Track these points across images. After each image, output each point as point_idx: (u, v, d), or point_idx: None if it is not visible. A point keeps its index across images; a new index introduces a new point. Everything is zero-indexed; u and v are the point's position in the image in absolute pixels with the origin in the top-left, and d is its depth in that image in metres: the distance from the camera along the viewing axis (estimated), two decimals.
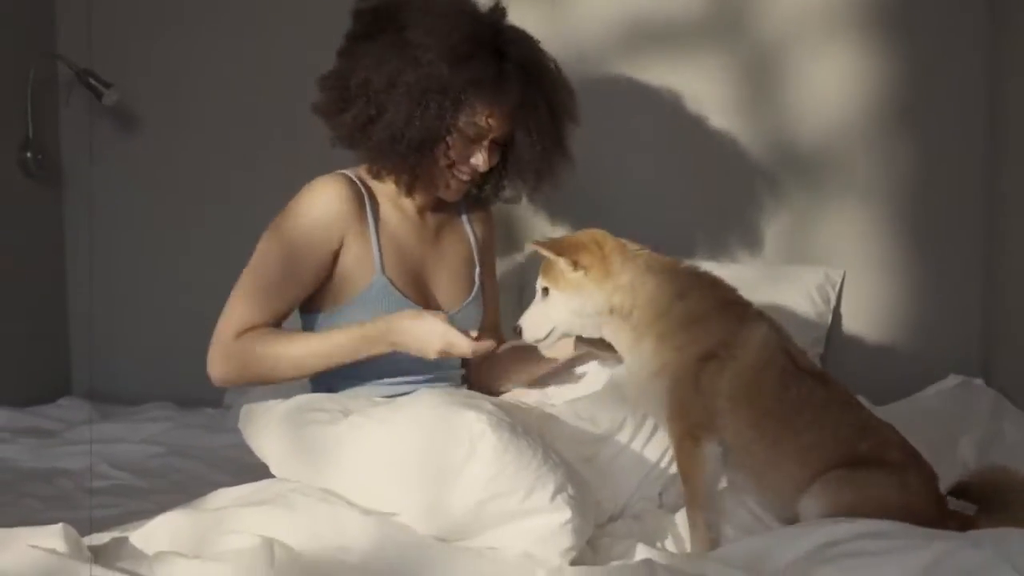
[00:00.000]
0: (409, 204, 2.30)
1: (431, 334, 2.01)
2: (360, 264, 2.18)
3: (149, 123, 3.42)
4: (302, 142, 3.22)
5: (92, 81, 3.22)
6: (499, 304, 2.51)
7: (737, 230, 3.09)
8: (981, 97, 2.98)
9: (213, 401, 3.12)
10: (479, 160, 2.21)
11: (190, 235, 3.40)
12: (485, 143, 2.21)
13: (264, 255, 2.16)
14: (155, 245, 3.43)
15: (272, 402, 2.08)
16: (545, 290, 2.00)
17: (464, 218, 2.43)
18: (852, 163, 3.04)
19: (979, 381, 2.89)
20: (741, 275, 2.91)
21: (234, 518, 1.73)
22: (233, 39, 3.34)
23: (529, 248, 2.05)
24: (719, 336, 1.93)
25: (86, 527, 1.76)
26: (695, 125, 3.10)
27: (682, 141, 3.11)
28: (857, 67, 3.02)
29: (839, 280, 3.02)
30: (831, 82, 3.03)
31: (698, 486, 1.88)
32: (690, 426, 1.90)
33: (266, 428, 2.01)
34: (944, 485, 1.94)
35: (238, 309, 2.13)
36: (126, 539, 1.73)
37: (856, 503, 1.75)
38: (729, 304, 2.01)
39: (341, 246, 2.17)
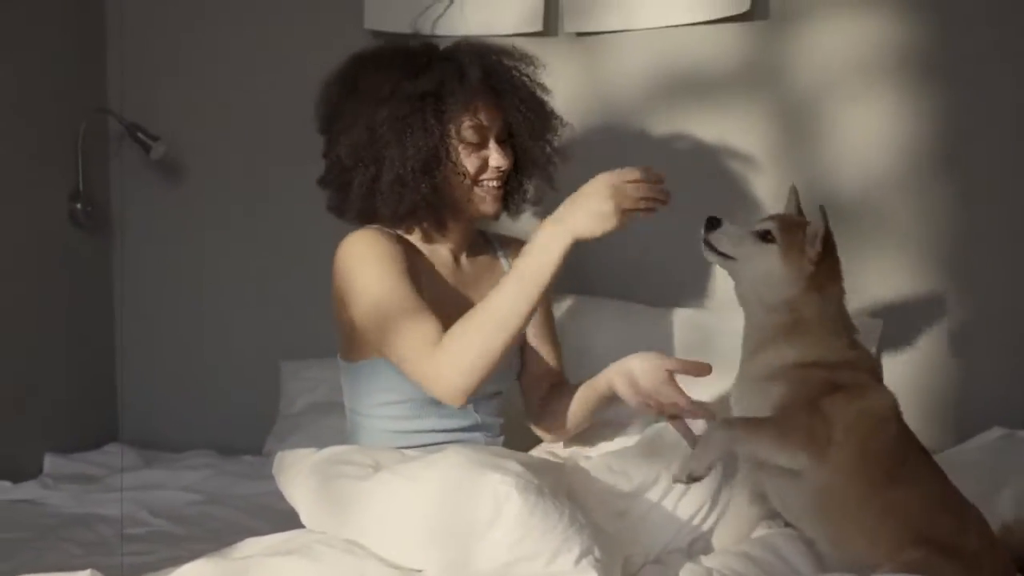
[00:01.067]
0: (445, 252, 2.32)
1: (596, 192, 1.96)
2: None
3: (195, 175, 3.48)
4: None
5: (140, 135, 3.29)
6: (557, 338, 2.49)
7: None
8: (1022, 141, 2.95)
9: (253, 449, 3.16)
10: (497, 159, 2.24)
11: (235, 286, 3.45)
12: (491, 143, 2.25)
13: (372, 295, 2.13)
14: (201, 295, 3.49)
15: (305, 451, 2.10)
16: (768, 236, 1.96)
17: (501, 256, 2.44)
18: (891, 212, 3.02)
19: (1023, 433, 2.84)
20: None
21: (260, 567, 1.75)
22: (277, 87, 3.40)
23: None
24: (856, 382, 1.92)
25: (118, 573, 1.79)
26: (731, 174, 3.10)
27: (719, 193, 3.10)
28: (895, 114, 3.01)
29: (878, 330, 2.99)
30: (869, 130, 3.02)
31: (766, 439, 1.87)
32: (806, 437, 1.86)
33: (297, 477, 2.03)
34: None
35: (410, 336, 2.07)
36: None
37: None
38: (875, 369, 2.03)
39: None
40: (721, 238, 1.98)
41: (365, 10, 3.26)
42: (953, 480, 2.48)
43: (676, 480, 1.90)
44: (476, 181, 2.25)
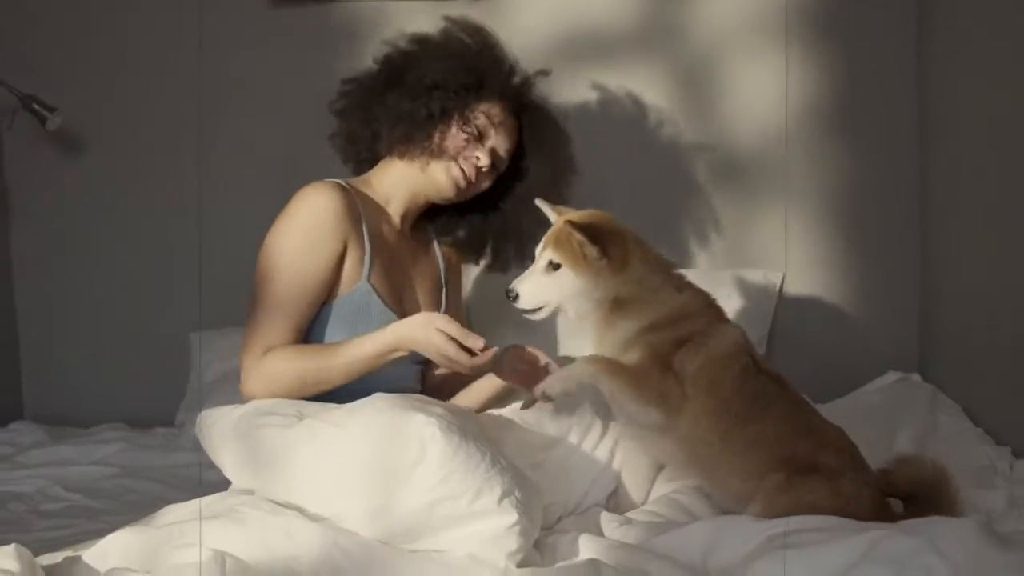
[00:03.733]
0: (395, 215, 2.37)
1: (433, 318, 2.06)
2: (352, 268, 2.23)
3: (94, 145, 3.43)
4: (246, 160, 3.28)
5: (36, 106, 3.22)
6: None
7: (676, 235, 3.15)
8: (912, 100, 3.06)
9: (166, 421, 3.14)
10: (481, 154, 2.31)
11: (137, 256, 3.41)
12: (488, 144, 2.33)
13: (271, 270, 2.17)
14: (103, 267, 3.43)
15: (228, 408, 2.09)
16: (552, 264, 2.02)
17: (435, 243, 2.51)
18: (791, 166, 3.10)
19: (916, 376, 2.97)
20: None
21: (185, 533, 1.74)
22: (173, 59, 3.36)
23: (555, 220, 2.10)
24: (697, 326, 2.02)
25: (39, 550, 1.78)
26: (631, 132, 3.17)
27: (619, 149, 3.16)
28: (791, 72, 3.09)
29: (779, 282, 3.08)
30: (766, 88, 3.10)
31: (628, 388, 1.96)
32: (658, 395, 1.96)
33: (221, 434, 2.02)
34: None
35: (260, 327, 2.15)
36: (79, 558, 1.74)
37: (791, 509, 1.81)
38: (711, 305, 2.11)
39: (345, 248, 2.21)
40: (526, 299, 2.04)
41: None
42: (854, 423, 2.58)
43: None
44: (459, 156, 2.32)
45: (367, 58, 2.41)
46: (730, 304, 2.96)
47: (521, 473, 1.86)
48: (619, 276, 2.00)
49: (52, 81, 3.34)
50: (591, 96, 3.15)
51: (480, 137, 2.32)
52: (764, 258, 3.12)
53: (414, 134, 2.30)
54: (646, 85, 3.15)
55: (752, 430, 1.95)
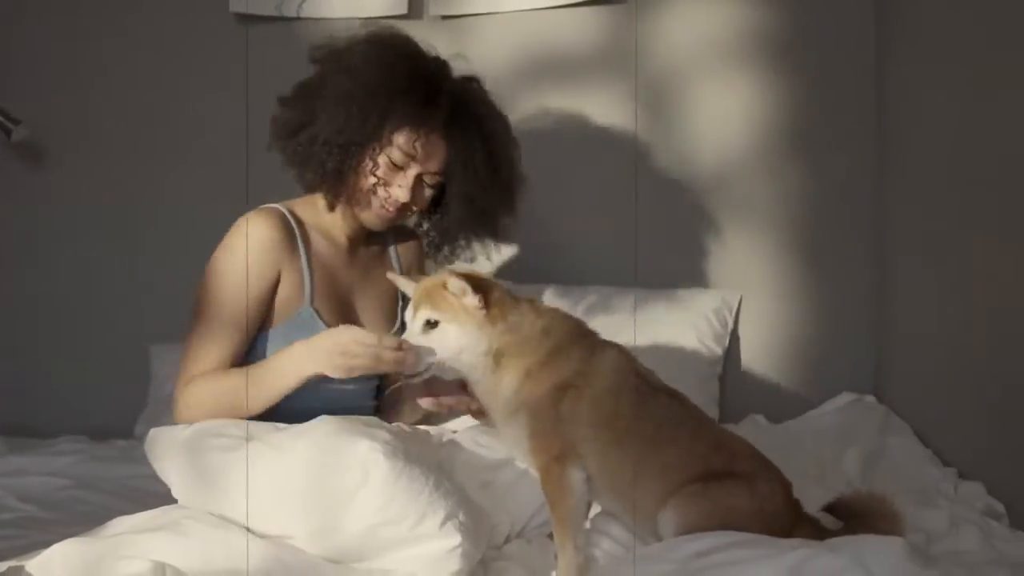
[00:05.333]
0: (340, 236, 2.35)
1: (338, 333, 2.03)
2: (292, 294, 2.23)
3: (58, 158, 3.43)
4: (213, 173, 3.30)
5: (0, 119, 3.23)
6: None
7: (634, 254, 3.17)
8: (870, 124, 3.10)
9: (126, 433, 3.14)
10: (400, 189, 2.23)
11: (100, 270, 3.41)
12: (410, 174, 2.23)
13: (206, 297, 2.18)
14: (64, 280, 3.44)
15: (178, 427, 2.11)
16: (429, 323, 1.99)
17: (392, 251, 2.48)
18: (748, 189, 3.14)
19: (871, 398, 2.99)
20: (640, 300, 3.02)
21: (129, 544, 1.76)
22: (142, 72, 3.38)
23: (411, 290, 2.08)
24: (575, 366, 1.98)
25: None
26: (594, 153, 3.19)
27: (581, 168, 3.20)
28: (751, 96, 3.13)
29: (736, 303, 3.11)
30: (727, 110, 3.14)
31: (566, 512, 1.93)
32: (554, 454, 1.94)
33: (169, 453, 2.04)
34: (826, 496, 2.02)
35: (191, 354, 2.16)
36: (22, 567, 1.76)
37: (710, 513, 1.83)
38: (582, 335, 2.07)
39: (279, 278, 2.21)
40: (431, 346, 2.00)
41: None
42: (806, 442, 2.63)
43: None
44: (376, 192, 2.26)
45: None
46: (687, 325, 3.00)
47: (466, 496, 1.89)
48: (497, 325, 1.98)
49: (17, 93, 3.35)
50: (552, 115, 3.18)
51: (401, 166, 2.24)
52: (721, 279, 3.14)
53: (322, 186, 2.26)
54: (607, 106, 3.18)
55: (668, 453, 1.94)
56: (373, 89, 2.19)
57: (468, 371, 2.03)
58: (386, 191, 2.24)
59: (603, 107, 3.18)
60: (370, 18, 2.99)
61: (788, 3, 3.12)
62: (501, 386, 1.99)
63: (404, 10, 3.17)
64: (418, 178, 2.25)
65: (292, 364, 2.07)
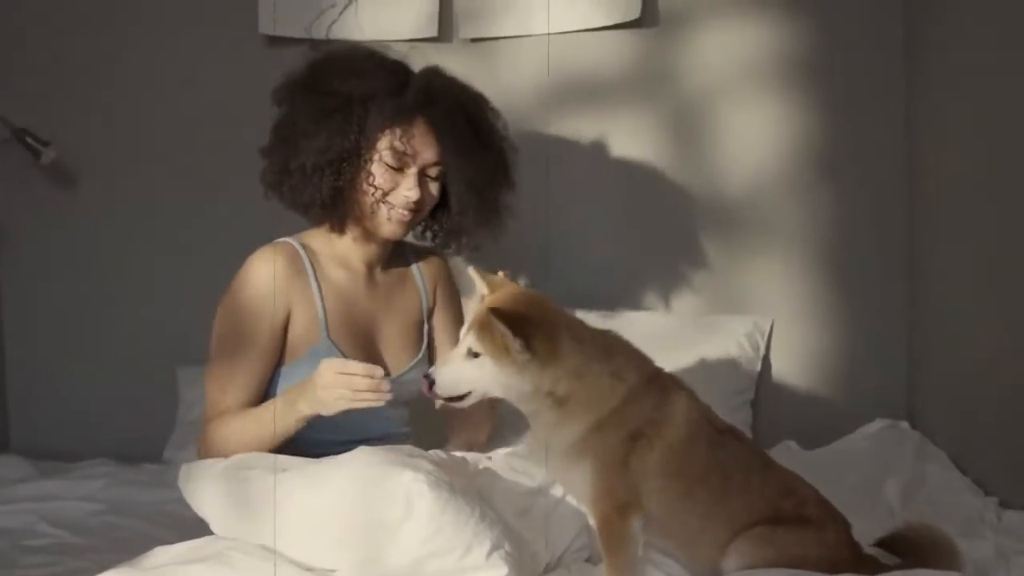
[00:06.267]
0: (357, 263, 2.32)
1: (324, 370, 1.99)
2: (307, 328, 2.21)
3: (86, 180, 3.42)
4: (240, 195, 3.27)
5: (29, 140, 3.23)
6: None
7: (666, 280, 3.16)
8: (900, 145, 3.08)
9: (153, 457, 3.12)
10: (409, 190, 2.21)
11: (128, 292, 3.40)
12: (411, 172, 2.21)
13: (220, 338, 2.19)
14: (92, 302, 3.43)
15: (210, 460, 2.10)
16: (471, 351, 1.89)
17: (415, 269, 2.44)
18: (778, 213, 3.13)
19: (904, 424, 2.97)
20: (671, 325, 3.01)
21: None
22: (170, 94, 3.37)
23: (484, 293, 1.96)
24: (646, 415, 1.90)
25: None
26: (623, 177, 3.18)
27: (610, 193, 3.19)
28: (781, 117, 3.12)
29: (768, 328, 3.09)
30: (756, 133, 3.13)
31: (623, 562, 1.88)
32: (617, 505, 1.88)
33: (205, 486, 2.02)
34: (870, 528, 2.00)
35: (211, 396, 2.17)
36: None
37: (777, 560, 1.80)
38: (652, 377, 1.97)
39: (289, 315, 2.20)
40: (443, 387, 1.91)
41: (260, 15, 3.25)
42: (841, 470, 2.60)
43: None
44: (382, 201, 2.23)
45: None
46: (718, 350, 2.99)
47: (509, 526, 1.87)
48: (548, 371, 1.85)
49: (46, 115, 3.34)
50: (581, 138, 3.17)
51: (399, 167, 2.21)
52: (753, 304, 3.13)
53: (324, 211, 2.24)
54: (637, 129, 3.17)
55: (736, 500, 1.90)
56: (346, 99, 2.18)
57: (518, 405, 1.95)
58: (394, 197, 2.22)
59: (632, 130, 3.17)
60: (399, 41, 2.98)
61: (817, 26, 3.11)
62: (564, 430, 1.90)
63: (434, 32, 3.17)
64: (420, 174, 2.23)
65: (287, 405, 2.08)
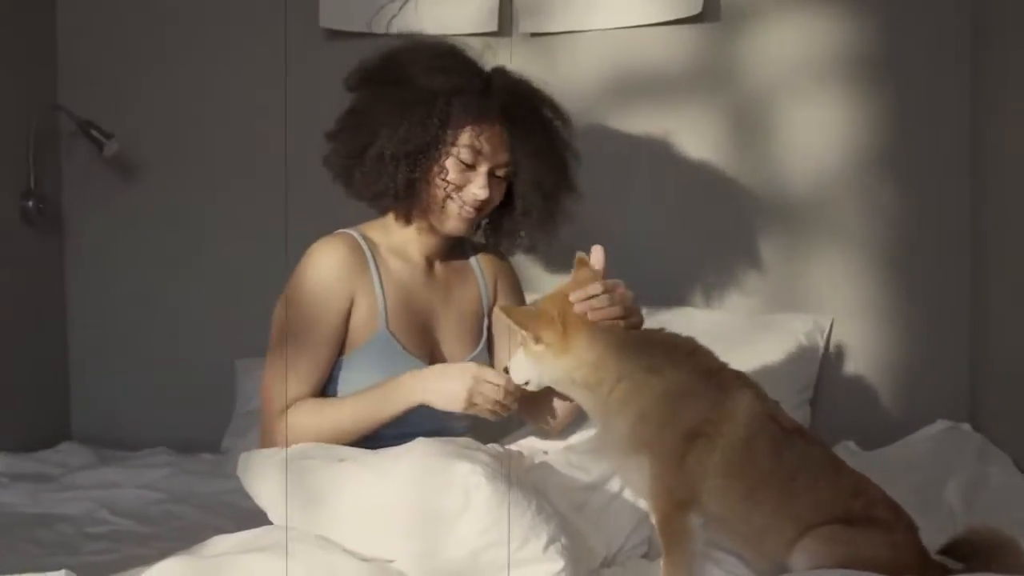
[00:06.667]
0: (416, 255, 2.33)
1: (461, 375, 2.05)
2: (367, 318, 2.21)
3: (148, 172, 3.47)
4: (303, 189, 3.30)
5: (93, 132, 3.28)
6: None
7: (726, 278, 3.14)
8: (964, 143, 3.04)
9: (210, 446, 3.16)
10: (479, 188, 2.21)
11: (190, 283, 3.45)
12: (482, 170, 2.22)
13: (282, 328, 2.19)
14: (153, 293, 3.48)
15: (270, 450, 2.11)
16: (537, 340, 1.97)
17: (474, 262, 2.44)
18: (840, 210, 3.09)
19: (966, 426, 2.93)
20: (730, 323, 2.99)
21: (232, 565, 1.75)
22: (232, 87, 3.41)
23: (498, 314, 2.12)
24: (704, 412, 1.88)
25: (86, 573, 1.79)
26: (683, 174, 3.16)
27: (671, 189, 3.17)
28: (843, 115, 3.09)
29: (827, 327, 3.06)
30: (818, 130, 3.09)
31: (681, 559, 1.85)
32: (677, 503, 1.86)
33: (264, 476, 2.03)
34: (932, 530, 1.97)
35: (275, 387, 2.17)
36: None
37: (847, 560, 1.76)
38: (710, 374, 1.95)
39: (352, 304, 2.21)
40: (514, 374, 2.03)
41: (320, 9, 3.28)
42: (902, 471, 2.56)
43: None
44: (452, 196, 2.23)
45: None
46: (778, 349, 2.96)
47: (566, 519, 1.87)
48: (563, 360, 1.94)
49: (109, 108, 3.40)
50: (642, 134, 3.16)
51: (472, 165, 2.22)
52: (813, 302, 3.10)
53: (396, 202, 2.25)
54: (698, 125, 3.15)
55: (803, 500, 1.87)
56: (429, 92, 2.18)
57: (567, 395, 2.05)
58: (463, 193, 2.23)
59: (693, 127, 3.15)
60: (460, 35, 2.98)
61: (882, 22, 3.07)
62: (615, 424, 1.93)
63: (494, 27, 3.17)
64: (490, 173, 2.24)
65: (401, 395, 2.10)
